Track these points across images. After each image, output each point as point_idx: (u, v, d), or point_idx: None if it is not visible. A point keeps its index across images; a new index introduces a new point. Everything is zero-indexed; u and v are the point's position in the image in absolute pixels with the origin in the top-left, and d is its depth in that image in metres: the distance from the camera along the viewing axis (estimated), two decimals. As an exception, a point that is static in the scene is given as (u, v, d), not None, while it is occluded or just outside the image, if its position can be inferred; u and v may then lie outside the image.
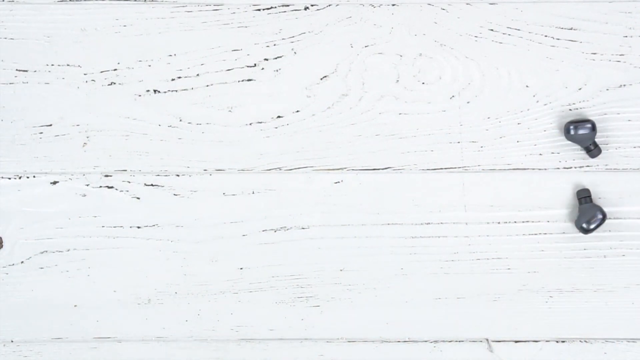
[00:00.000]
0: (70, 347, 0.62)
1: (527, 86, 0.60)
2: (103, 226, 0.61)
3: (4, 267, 0.61)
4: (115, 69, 0.60)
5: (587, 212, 0.58)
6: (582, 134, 0.58)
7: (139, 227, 0.61)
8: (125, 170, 0.61)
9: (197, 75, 0.60)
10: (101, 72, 0.61)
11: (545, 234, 0.60)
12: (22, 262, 0.61)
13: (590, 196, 0.59)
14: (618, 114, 0.60)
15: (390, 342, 0.61)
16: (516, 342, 0.61)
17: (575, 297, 0.61)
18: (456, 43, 0.60)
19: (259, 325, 0.61)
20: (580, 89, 0.60)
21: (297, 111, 0.60)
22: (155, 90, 0.61)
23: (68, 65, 0.61)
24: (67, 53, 0.60)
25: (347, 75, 0.60)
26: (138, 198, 0.61)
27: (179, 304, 0.61)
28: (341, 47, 0.60)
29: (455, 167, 0.60)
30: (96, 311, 0.62)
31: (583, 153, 0.60)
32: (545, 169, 0.60)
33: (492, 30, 0.60)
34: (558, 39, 0.60)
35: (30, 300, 0.61)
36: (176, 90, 0.61)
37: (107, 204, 0.61)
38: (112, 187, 0.61)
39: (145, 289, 0.61)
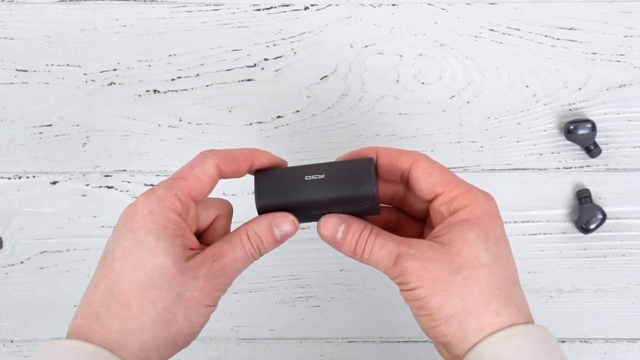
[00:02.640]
0: (70, 347, 0.62)
1: (527, 86, 0.60)
2: (103, 226, 0.61)
3: (4, 267, 0.61)
4: (115, 69, 0.61)
5: (587, 212, 0.58)
6: (582, 134, 0.58)
7: (139, 227, 0.61)
8: (125, 170, 0.61)
9: (197, 75, 0.60)
10: (101, 72, 0.61)
11: (545, 234, 0.60)
12: (22, 262, 0.61)
13: (590, 196, 0.59)
14: (618, 114, 0.60)
15: (390, 342, 0.61)
16: (516, 342, 0.61)
17: (575, 297, 0.61)
18: (456, 43, 0.60)
19: (259, 325, 0.61)
20: (580, 89, 0.60)
21: (297, 111, 0.60)
22: (155, 90, 0.61)
23: (68, 65, 0.61)
24: (67, 53, 0.60)
25: (347, 75, 0.60)
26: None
27: (179, 304, 0.61)
28: (341, 47, 0.60)
29: (455, 167, 0.60)
30: (96, 311, 0.62)
31: (583, 153, 0.60)
32: (545, 169, 0.60)
33: (492, 30, 0.60)
34: (558, 39, 0.60)
35: (30, 300, 0.61)
36: (176, 90, 0.61)
37: (107, 204, 0.61)
38: (112, 187, 0.61)
39: (145, 289, 0.61)
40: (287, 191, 0.41)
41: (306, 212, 0.42)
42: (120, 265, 0.38)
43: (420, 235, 0.45)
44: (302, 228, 0.61)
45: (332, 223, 0.41)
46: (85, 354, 0.36)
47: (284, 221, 0.41)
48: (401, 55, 0.60)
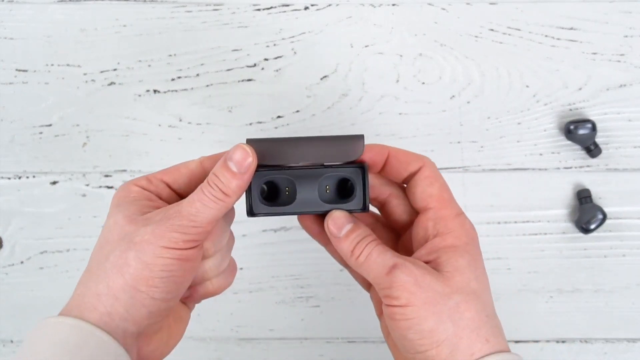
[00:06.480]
0: (70, 347, 0.62)
1: (527, 86, 0.60)
2: (103, 226, 0.61)
3: (4, 267, 0.61)
4: (115, 69, 0.61)
5: (587, 212, 0.58)
6: (582, 134, 0.58)
7: (139, 227, 0.61)
8: (125, 170, 0.61)
9: (197, 75, 0.60)
10: (101, 72, 0.61)
11: (545, 234, 0.60)
12: (22, 262, 0.61)
13: (590, 196, 0.59)
14: (618, 114, 0.60)
15: (390, 342, 0.61)
16: (516, 342, 0.61)
17: (575, 297, 0.61)
18: (456, 43, 0.60)
19: (259, 325, 0.61)
20: (580, 89, 0.60)
21: (297, 111, 0.60)
22: (155, 90, 0.61)
23: (68, 65, 0.61)
24: (67, 53, 0.60)
25: (347, 75, 0.60)
26: (138, 198, 0.61)
27: (179, 304, 0.61)
28: (341, 47, 0.60)
29: (455, 167, 0.60)
30: (96, 311, 0.62)
31: (583, 153, 0.60)
32: (545, 169, 0.60)
33: (492, 30, 0.60)
34: (558, 39, 0.60)
35: (30, 300, 0.61)
36: (176, 90, 0.61)
37: (107, 204, 0.60)
38: (112, 187, 0.61)
39: (145, 289, 0.61)
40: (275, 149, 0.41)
41: (288, 155, 0.42)
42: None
43: (394, 247, 0.45)
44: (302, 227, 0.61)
45: (341, 218, 0.41)
46: (54, 327, 0.39)
47: (234, 151, 0.39)
48: (401, 55, 0.60)
